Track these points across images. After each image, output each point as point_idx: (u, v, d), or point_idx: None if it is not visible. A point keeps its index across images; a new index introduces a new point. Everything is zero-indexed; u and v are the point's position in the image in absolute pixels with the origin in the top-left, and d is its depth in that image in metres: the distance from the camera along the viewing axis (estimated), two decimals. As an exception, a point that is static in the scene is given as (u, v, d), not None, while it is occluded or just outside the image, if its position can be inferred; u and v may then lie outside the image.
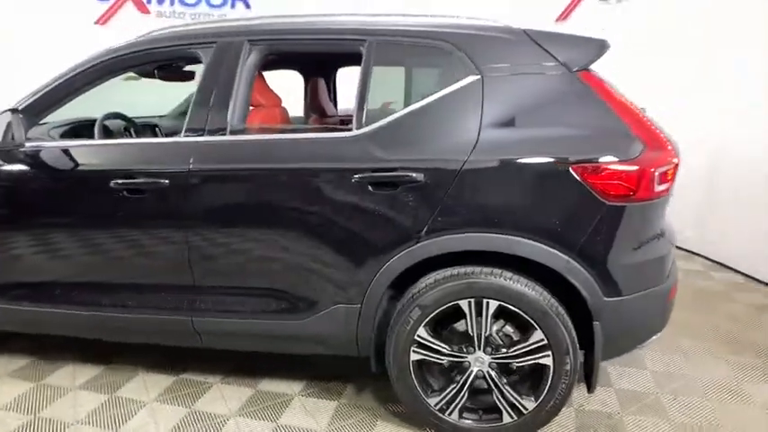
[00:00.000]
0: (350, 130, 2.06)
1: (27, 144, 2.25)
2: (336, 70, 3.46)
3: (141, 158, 2.21)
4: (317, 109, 3.19)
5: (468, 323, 2.01)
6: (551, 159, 1.90)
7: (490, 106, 1.97)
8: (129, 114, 2.94)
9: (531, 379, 2.07)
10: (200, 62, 2.25)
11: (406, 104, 2.06)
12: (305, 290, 2.13)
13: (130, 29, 5.34)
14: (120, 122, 2.89)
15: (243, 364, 2.69)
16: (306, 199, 2.06)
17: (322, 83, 3.28)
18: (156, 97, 3.50)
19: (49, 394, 2.46)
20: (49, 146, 2.30)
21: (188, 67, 2.98)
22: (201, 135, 2.13)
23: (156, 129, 3.16)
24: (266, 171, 2.08)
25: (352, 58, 3.32)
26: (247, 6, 5.73)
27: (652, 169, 1.89)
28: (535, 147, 1.93)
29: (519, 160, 1.92)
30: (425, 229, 1.96)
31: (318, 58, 3.17)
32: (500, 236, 1.91)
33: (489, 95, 1.98)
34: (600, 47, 2.03)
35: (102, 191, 2.17)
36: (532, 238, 1.91)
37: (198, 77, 2.23)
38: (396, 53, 2.11)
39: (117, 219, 2.20)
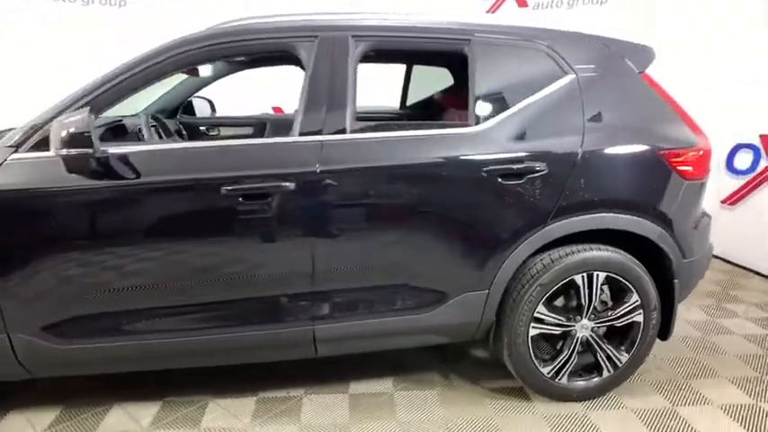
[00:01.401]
0: (464, 126, 2.16)
1: (101, 149, 1.89)
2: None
3: (257, 161, 2.00)
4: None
5: (582, 294, 2.27)
6: (645, 148, 2.24)
7: (587, 101, 2.23)
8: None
9: (620, 336, 2.42)
10: (293, 55, 2.12)
11: (504, 101, 2.23)
12: (436, 282, 2.18)
13: (19, 15, 4.52)
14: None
15: (313, 372, 2.59)
16: (439, 193, 2.10)
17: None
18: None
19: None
20: (132, 151, 1.95)
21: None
22: (320, 134, 2.03)
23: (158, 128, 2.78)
24: (401, 168, 2.07)
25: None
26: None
27: (708, 153, 2.36)
28: (630, 137, 2.24)
29: (621, 149, 2.22)
30: (552, 214, 2.16)
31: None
32: (627, 216, 2.20)
33: (584, 92, 2.24)
34: (652, 53, 2.43)
35: (211, 199, 1.94)
36: (637, 215, 2.24)
37: (304, 73, 2.09)
38: (496, 52, 2.24)
39: (232, 228, 1.98)
